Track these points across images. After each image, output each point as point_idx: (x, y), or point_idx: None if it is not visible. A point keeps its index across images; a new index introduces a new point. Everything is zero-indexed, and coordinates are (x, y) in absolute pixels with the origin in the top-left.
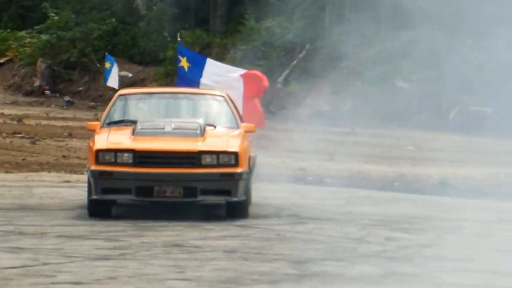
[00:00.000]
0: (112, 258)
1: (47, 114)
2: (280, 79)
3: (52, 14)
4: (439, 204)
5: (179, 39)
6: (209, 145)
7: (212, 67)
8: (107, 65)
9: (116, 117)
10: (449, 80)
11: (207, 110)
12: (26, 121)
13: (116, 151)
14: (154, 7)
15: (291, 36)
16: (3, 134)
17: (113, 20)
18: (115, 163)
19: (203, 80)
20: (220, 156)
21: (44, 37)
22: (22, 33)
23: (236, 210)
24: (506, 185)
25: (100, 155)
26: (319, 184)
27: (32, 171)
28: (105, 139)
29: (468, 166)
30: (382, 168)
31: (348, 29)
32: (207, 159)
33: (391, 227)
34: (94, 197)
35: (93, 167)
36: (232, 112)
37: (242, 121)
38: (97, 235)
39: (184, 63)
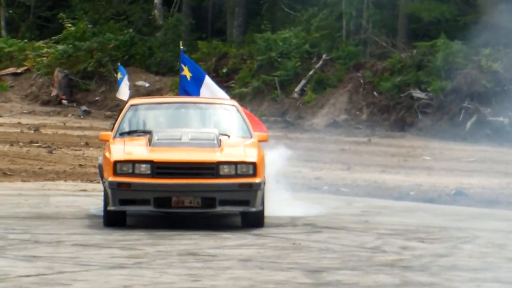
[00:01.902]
0: (128, 266)
1: (64, 124)
2: (297, 89)
3: (69, 25)
4: (455, 213)
5: (181, 48)
6: (227, 155)
7: (209, 85)
8: (119, 75)
9: (129, 127)
10: (466, 90)
11: (219, 119)
12: (43, 131)
13: (134, 162)
14: (170, 18)
15: (307, 47)
16: (20, 143)
17: (130, 30)
18: (132, 174)
19: (203, 91)
20: (238, 166)
21: (61, 47)
22: (40, 43)
23: (253, 221)
24: None
25: (118, 166)
26: (335, 193)
27: (48, 180)
28: (122, 150)
29: (484, 176)
30: (398, 178)
31: (365, 39)
32: (225, 170)
33: (407, 237)
34: (112, 208)
35: (111, 178)
36: (244, 121)
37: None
38: (113, 244)
39: (186, 72)
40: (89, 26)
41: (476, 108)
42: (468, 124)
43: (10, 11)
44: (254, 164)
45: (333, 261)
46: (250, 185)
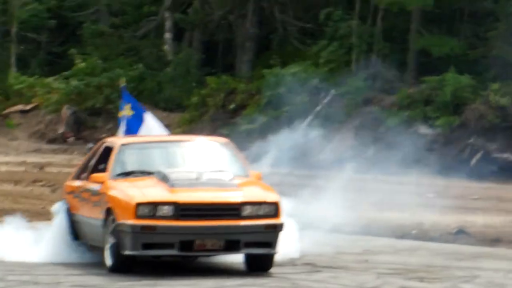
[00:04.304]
0: None
1: (69, 162)
2: (304, 124)
3: (79, 60)
4: (456, 252)
5: (123, 85)
6: (250, 195)
7: (150, 121)
8: (120, 114)
9: (124, 168)
10: (473, 126)
11: (214, 157)
12: (47, 169)
13: (156, 204)
14: (181, 53)
15: (316, 81)
16: (24, 182)
17: (140, 65)
18: (154, 217)
19: (143, 130)
20: (261, 206)
21: (74, 83)
22: (50, 79)
23: (264, 264)
24: None
25: (140, 208)
26: (337, 231)
27: (51, 219)
28: (139, 192)
29: (488, 214)
30: (401, 215)
31: (374, 73)
32: (248, 210)
33: (407, 276)
34: (133, 252)
35: (133, 221)
36: (238, 159)
37: None
38: (112, 285)
39: (127, 110)
40: (99, 61)
41: (482, 144)
42: (474, 160)
43: (22, 47)
44: (276, 204)
45: None
46: (275, 226)
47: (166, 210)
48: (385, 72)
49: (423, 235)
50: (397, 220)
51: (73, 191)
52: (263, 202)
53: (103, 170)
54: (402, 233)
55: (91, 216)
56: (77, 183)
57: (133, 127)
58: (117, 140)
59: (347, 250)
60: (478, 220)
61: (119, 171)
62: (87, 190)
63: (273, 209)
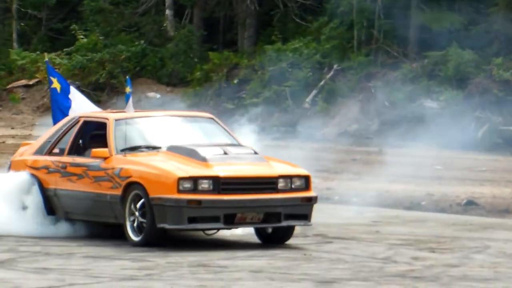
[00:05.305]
0: (139, 278)
1: None
2: (308, 99)
3: (81, 37)
4: (466, 223)
5: (46, 59)
6: (283, 169)
7: (74, 95)
8: (128, 89)
9: (128, 143)
10: (478, 99)
11: (209, 133)
12: None
13: (197, 179)
14: (182, 29)
15: (318, 57)
16: None
17: (142, 42)
18: (195, 191)
19: (73, 105)
20: (293, 179)
21: (76, 58)
22: (52, 55)
23: (287, 235)
24: None
25: (181, 183)
26: (346, 203)
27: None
28: (174, 167)
29: (496, 186)
30: (409, 187)
31: (376, 49)
32: (282, 183)
33: (418, 247)
34: (178, 226)
35: (177, 196)
36: (230, 134)
37: None
38: (123, 256)
39: (56, 84)
40: (101, 38)
41: (488, 117)
42: (480, 133)
43: (22, 24)
44: (307, 177)
45: (344, 271)
46: (310, 199)
47: (206, 184)
48: (387, 48)
49: (432, 206)
50: (405, 192)
51: (47, 166)
52: (297, 175)
53: (85, 145)
54: (410, 204)
55: (90, 190)
56: (51, 158)
57: (63, 101)
58: (105, 115)
59: (356, 221)
60: (486, 192)
61: (123, 146)
62: (79, 165)
63: (305, 182)
